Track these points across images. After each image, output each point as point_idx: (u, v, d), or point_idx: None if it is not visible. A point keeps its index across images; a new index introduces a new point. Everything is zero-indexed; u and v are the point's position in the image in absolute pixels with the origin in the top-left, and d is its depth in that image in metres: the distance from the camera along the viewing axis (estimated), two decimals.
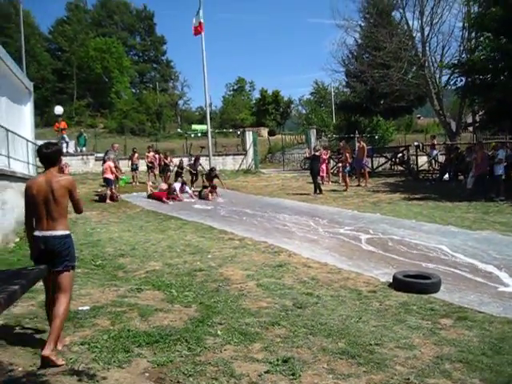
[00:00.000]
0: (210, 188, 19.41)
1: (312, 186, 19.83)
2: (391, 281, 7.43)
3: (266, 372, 4.44)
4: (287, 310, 6.15)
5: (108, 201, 17.60)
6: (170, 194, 18.68)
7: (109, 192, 17.86)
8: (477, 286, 7.53)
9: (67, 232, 4.84)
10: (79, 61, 73.58)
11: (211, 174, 20.40)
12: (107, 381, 4.22)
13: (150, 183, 21.26)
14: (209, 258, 9.19)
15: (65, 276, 4.78)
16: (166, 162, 23.11)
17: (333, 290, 7.12)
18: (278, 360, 4.67)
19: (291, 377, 4.35)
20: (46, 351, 4.41)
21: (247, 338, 5.22)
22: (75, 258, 5.00)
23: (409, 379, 4.32)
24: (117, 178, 19.08)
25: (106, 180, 18.33)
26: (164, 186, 19.53)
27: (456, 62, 23.60)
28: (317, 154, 20.01)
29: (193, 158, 23.46)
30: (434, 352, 4.94)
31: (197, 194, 19.68)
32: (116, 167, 19.26)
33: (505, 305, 6.58)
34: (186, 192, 19.60)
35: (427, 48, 29.50)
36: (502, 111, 18.82)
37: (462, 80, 23.14)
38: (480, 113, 23.03)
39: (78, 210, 5.09)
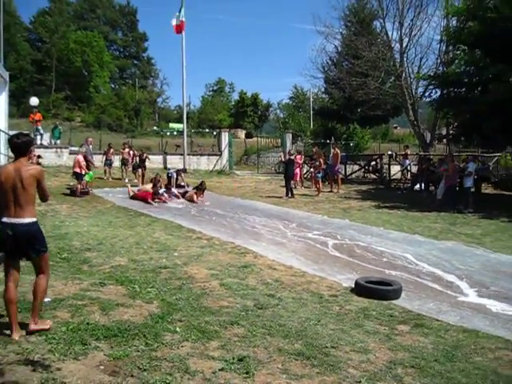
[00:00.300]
0: (195, 190, 18.51)
1: (284, 189, 19.93)
2: (353, 286, 7.51)
3: (220, 369, 4.46)
4: (248, 311, 6.18)
5: (79, 195, 17.45)
6: (156, 195, 17.79)
7: (79, 186, 17.70)
8: (437, 294, 7.64)
9: (34, 219, 5.02)
10: (59, 53, 72.47)
11: (202, 186, 18.80)
12: (61, 372, 4.21)
13: (129, 185, 19.58)
14: (175, 256, 9.18)
15: (40, 260, 5.10)
16: (142, 158, 22.98)
17: (295, 293, 7.17)
18: (233, 358, 4.70)
19: (245, 375, 4.38)
20: (31, 327, 5.00)
21: (205, 336, 5.24)
22: (45, 242, 5.21)
23: (360, 382, 4.38)
24: (82, 173, 18.54)
25: (76, 174, 18.16)
26: (148, 186, 18.64)
27: (432, 73, 23.92)
28: (292, 157, 20.18)
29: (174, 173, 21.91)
30: (388, 357, 5.02)
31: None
32: (89, 161, 19.11)
33: (462, 314, 6.70)
34: (173, 194, 18.71)
35: (405, 59, 29.98)
36: (474, 125, 19.12)
37: (436, 92, 23.49)
38: (453, 125, 23.36)
39: (44, 199, 5.29)
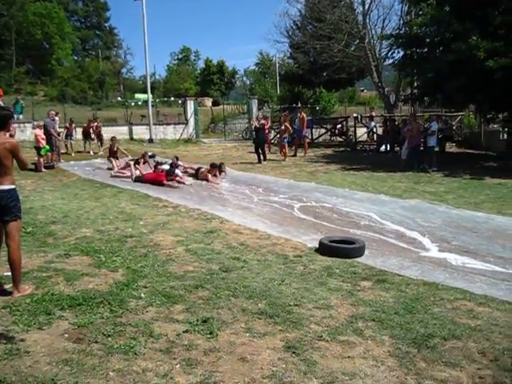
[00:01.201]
0: (209, 168, 15.78)
1: (252, 155, 20.05)
2: (318, 246, 7.62)
3: (184, 331, 4.53)
4: (212, 274, 6.24)
5: (43, 169, 17.19)
6: (170, 175, 15.21)
7: (41, 160, 17.41)
8: (400, 251, 7.81)
9: (13, 186, 5.35)
10: (18, 26, 70.09)
11: (221, 168, 16.22)
12: (25, 342, 4.22)
13: (133, 167, 16.37)
14: (141, 225, 9.15)
15: (13, 225, 5.32)
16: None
17: (260, 255, 7.25)
18: (197, 320, 4.76)
19: (208, 335, 4.46)
20: (14, 295, 5.30)
21: (170, 300, 5.29)
22: (21, 210, 5.48)
23: (321, 336, 4.49)
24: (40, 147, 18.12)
25: (37, 148, 17.83)
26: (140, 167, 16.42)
27: (395, 34, 23.94)
28: (259, 124, 20.23)
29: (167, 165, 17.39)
30: (350, 312, 5.14)
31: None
32: (51, 134, 18.80)
33: (423, 268, 6.87)
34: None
35: (368, 20, 29.87)
36: (436, 84, 19.26)
37: (399, 52, 23.59)
38: (416, 86, 23.54)
39: (22, 168, 5.62)
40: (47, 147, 18.32)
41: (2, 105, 28.55)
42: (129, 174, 16.09)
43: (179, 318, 4.86)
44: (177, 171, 15.53)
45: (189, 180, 15.53)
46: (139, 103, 39.19)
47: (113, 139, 18.87)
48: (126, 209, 10.79)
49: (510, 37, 16.14)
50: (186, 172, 16.54)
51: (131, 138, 28.61)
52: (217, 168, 15.77)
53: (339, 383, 3.74)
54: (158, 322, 4.76)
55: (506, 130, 22.90)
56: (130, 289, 5.63)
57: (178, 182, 15.04)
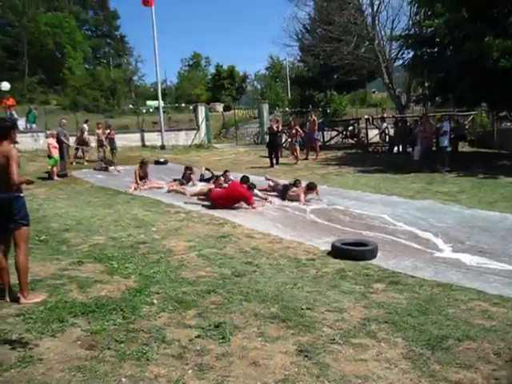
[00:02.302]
0: (305, 188, 12.56)
1: (264, 160, 20.12)
2: (330, 249, 7.60)
3: (196, 337, 4.53)
4: (225, 279, 6.24)
5: (56, 178, 17.34)
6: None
7: (54, 169, 17.57)
8: (413, 252, 7.79)
9: (16, 194, 5.36)
10: (30, 36, 70.91)
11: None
12: (39, 349, 4.24)
13: (180, 187, 14.50)
14: (153, 231, 9.18)
15: (18, 233, 5.39)
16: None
17: (272, 259, 7.25)
18: (210, 325, 4.76)
19: (221, 340, 4.46)
20: (21, 301, 5.34)
21: (182, 306, 5.29)
22: (27, 218, 5.51)
23: (334, 339, 4.48)
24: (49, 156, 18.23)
25: (50, 157, 17.97)
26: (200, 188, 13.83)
27: (404, 35, 23.82)
28: (272, 127, 20.41)
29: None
30: (363, 314, 5.12)
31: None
32: (63, 142, 18.96)
33: (437, 269, 6.84)
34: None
35: (377, 22, 29.80)
36: (447, 84, 19.16)
37: (409, 53, 23.51)
38: (427, 86, 23.43)
39: (10, 180, 5.28)
40: (55, 157, 18.49)
41: (15, 115, 29.03)
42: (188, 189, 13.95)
43: (191, 323, 4.86)
44: (255, 191, 12.59)
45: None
46: (151, 110, 39.39)
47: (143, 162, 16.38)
48: (138, 215, 10.83)
49: None
50: (271, 190, 13.60)
51: (143, 145, 28.71)
52: (315, 189, 12.50)
53: None
54: (171, 327, 4.77)
55: None
56: (142, 295, 5.64)
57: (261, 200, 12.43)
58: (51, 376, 3.81)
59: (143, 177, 15.52)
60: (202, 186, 14.12)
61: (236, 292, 5.73)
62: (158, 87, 30.87)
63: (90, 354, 4.19)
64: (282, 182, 13.99)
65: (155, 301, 5.44)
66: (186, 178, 15.36)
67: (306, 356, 4.18)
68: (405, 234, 8.84)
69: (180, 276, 6.39)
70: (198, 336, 4.54)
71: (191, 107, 36.91)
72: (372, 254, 7.30)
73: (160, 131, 29.01)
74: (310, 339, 4.49)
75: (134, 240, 8.52)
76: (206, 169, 16.70)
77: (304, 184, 12.85)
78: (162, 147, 28.23)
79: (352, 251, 7.27)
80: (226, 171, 15.10)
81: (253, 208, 11.51)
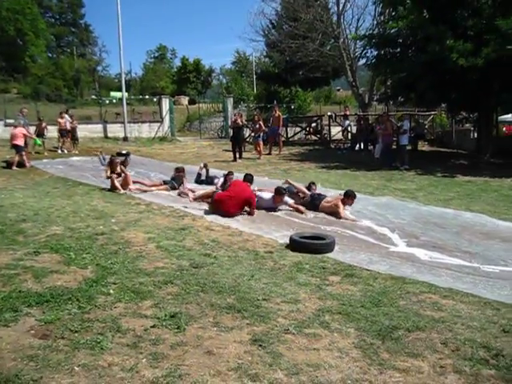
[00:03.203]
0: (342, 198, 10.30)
1: (227, 153, 20.15)
2: (288, 242, 7.68)
3: (152, 326, 4.55)
4: (183, 270, 6.25)
5: (15, 167, 17.05)
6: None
7: (17, 158, 17.26)
8: (369, 246, 7.93)
9: None
10: None
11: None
12: None
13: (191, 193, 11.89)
14: (112, 222, 9.11)
15: None
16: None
17: (231, 251, 7.29)
18: (165, 315, 4.78)
19: (176, 330, 4.49)
20: None
21: (139, 296, 5.30)
22: None
23: (288, 329, 4.55)
24: (23, 145, 17.98)
25: (16, 146, 17.66)
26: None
27: (368, 34, 24.13)
28: (236, 122, 20.46)
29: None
30: (317, 306, 5.20)
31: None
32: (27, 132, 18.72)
33: (391, 263, 6.99)
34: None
35: (342, 20, 30.07)
36: (409, 84, 19.52)
37: (372, 52, 23.81)
38: (389, 85, 23.81)
39: None
40: (37, 140, 18.34)
41: None
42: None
43: (147, 313, 4.88)
44: (259, 193, 10.71)
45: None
46: (114, 101, 38.86)
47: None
48: (98, 206, 10.73)
49: (480, 38, 16.38)
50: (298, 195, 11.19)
51: (106, 136, 28.44)
52: (353, 198, 10.42)
53: (304, 374, 3.79)
54: (126, 317, 4.77)
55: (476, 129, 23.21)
56: (99, 285, 5.62)
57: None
58: (2, 365, 3.78)
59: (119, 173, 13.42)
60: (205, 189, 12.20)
61: (193, 283, 5.76)
62: (122, 78, 30.61)
63: (44, 343, 4.17)
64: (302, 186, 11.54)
65: (112, 291, 5.43)
66: (177, 181, 13.26)
67: (260, 345, 4.24)
68: (362, 229, 8.99)
69: (137, 267, 6.38)
70: (154, 326, 4.56)
71: (155, 99, 36.64)
72: (329, 247, 7.40)
73: (123, 123, 28.76)
74: (264, 329, 4.56)
75: (92, 231, 8.45)
76: (204, 165, 14.72)
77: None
78: (125, 139, 28.01)
79: (309, 244, 7.36)
80: (229, 172, 12.64)
81: (250, 215, 9.86)
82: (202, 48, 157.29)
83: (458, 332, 4.60)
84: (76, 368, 3.78)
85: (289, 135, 28.31)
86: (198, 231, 8.50)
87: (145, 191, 12.82)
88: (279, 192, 10.35)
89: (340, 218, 9.68)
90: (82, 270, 6.26)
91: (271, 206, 10.43)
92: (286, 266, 6.61)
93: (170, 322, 4.65)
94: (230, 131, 22.27)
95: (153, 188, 13.21)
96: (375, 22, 28.32)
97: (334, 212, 9.97)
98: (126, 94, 32.64)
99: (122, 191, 12.59)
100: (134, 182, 13.42)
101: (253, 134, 22.70)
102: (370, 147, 22.21)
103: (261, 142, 21.32)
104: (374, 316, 4.93)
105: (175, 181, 13.29)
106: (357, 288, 5.81)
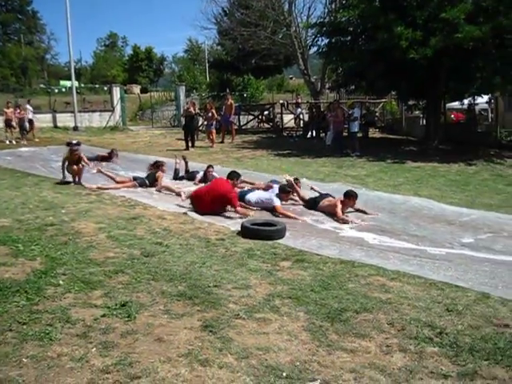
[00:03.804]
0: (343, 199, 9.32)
1: (180, 142, 20.06)
2: (240, 229, 7.73)
3: (102, 316, 4.53)
4: (134, 259, 6.23)
5: None
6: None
7: None
8: (320, 232, 8.07)
9: None
10: None
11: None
12: None
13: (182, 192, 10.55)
14: (62, 213, 8.94)
15: None
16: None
17: (183, 239, 7.28)
18: (116, 305, 4.77)
19: (126, 319, 4.48)
20: None
21: (89, 286, 5.25)
22: None
23: (238, 315, 4.61)
24: None
25: None
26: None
27: (319, 22, 24.26)
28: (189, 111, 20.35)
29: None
30: (268, 291, 5.27)
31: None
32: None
33: (341, 247, 7.14)
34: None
35: (293, 8, 30.19)
36: (359, 72, 19.77)
37: (323, 40, 23.97)
38: (340, 73, 24.00)
39: None
40: None
41: None
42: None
43: (97, 303, 4.85)
44: (249, 196, 9.89)
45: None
46: (64, 90, 37.96)
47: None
48: (47, 197, 10.51)
49: (428, 27, 16.70)
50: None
51: (55, 126, 27.86)
52: (354, 198, 9.31)
53: (253, 358, 3.85)
54: (76, 307, 4.73)
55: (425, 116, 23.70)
56: (48, 276, 5.54)
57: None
58: None
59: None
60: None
61: (144, 272, 5.75)
62: (72, 67, 29.97)
63: None
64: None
65: (61, 282, 5.37)
66: (150, 177, 11.79)
67: (211, 331, 4.28)
68: (313, 215, 9.13)
69: (88, 257, 6.31)
70: (104, 315, 4.54)
71: (106, 88, 36.07)
72: (280, 233, 7.49)
73: (73, 112, 28.19)
74: (215, 315, 4.60)
75: (41, 222, 8.28)
76: (183, 158, 13.48)
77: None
78: (75, 128, 27.50)
79: (260, 231, 7.44)
80: (209, 166, 12.30)
81: (237, 212, 9.00)
82: (154, 36, 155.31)
83: (404, 312, 4.75)
84: (24, 360, 3.74)
85: (241, 123, 28.30)
86: (149, 220, 8.45)
87: (106, 189, 11.32)
88: (285, 191, 9.78)
89: (337, 218, 8.89)
90: (31, 261, 6.15)
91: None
92: (237, 253, 6.66)
93: (121, 310, 4.64)
94: (183, 120, 22.10)
95: (118, 185, 11.60)
96: (326, 11, 28.55)
97: (332, 212, 9.15)
98: (76, 83, 32.01)
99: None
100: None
101: (205, 123, 22.58)
102: (322, 135, 22.44)
103: (213, 131, 21.27)
104: (323, 299, 5.03)
105: (148, 178, 11.69)
106: (307, 273, 5.91)
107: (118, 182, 11.88)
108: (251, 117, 29.25)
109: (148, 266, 5.99)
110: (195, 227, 8.06)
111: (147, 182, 11.53)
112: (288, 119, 28.17)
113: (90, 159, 14.22)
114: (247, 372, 3.64)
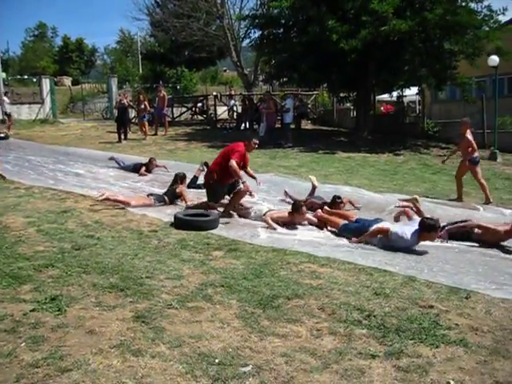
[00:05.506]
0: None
1: (112, 135, 19.75)
2: (173, 220, 7.74)
3: (31, 310, 4.44)
4: (64, 253, 6.13)
5: None
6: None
7: None
8: (253, 221, 8.17)
9: None
10: None
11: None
12: None
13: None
14: None
15: None
16: None
17: (115, 232, 7.22)
18: (46, 299, 4.68)
19: (57, 312, 4.42)
20: None
21: (17, 281, 5.13)
22: None
23: (171, 304, 4.62)
24: None
25: None
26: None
27: (252, 14, 24.35)
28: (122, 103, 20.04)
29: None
30: (200, 280, 5.32)
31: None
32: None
33: (273, 236, 7.29)
34: None
35: (226, 0, 30.13)
36: (291, 64, 20.00)
37: (255, 32, 24.11)
38: (273, 65, 24.21)
39: None
40: None
41: None
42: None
43: (26, 297, 4.76)
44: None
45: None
46: None
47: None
48: None
49: (358, 20, 17.07)
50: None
51: None
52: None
53: (186, 346, 3.88)
54: (4, 303, 4.62)
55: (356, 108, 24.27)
56: None
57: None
58: None
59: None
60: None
61: (75, 265, 5.67)
62: None
63: None
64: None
65: None
66: (171, 195, 9.62)
67: (143, 321, 4.28)
68: (241, 205, 9.10)
69: (16, 252, 6.16)
70: (33, 310, 4.46)
71: (35, 80, 34.96)
72: (213, 224, 7.54)
73: (0, 104, 27.14)
74: (147, 306, 4.60)
75: None
76: (205, 164, 11.38)
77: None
78: (3, 121, 26.49)
79: (193, 222, 7.47)
80: (150, 159, 12.28)
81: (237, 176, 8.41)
82: (85, 26, 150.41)
83: (334, 297, 4.90)
84: None
85: (175, 115, 28.09)
86: (80, 213, 8.32)
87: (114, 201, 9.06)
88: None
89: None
90: None
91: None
92: (170, 244, 6.67)
93: (51, 304, 4.57)
94: (115, 112, 21.73)
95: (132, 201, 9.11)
96: (259, 3, 28.64)
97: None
98: (3, 74, 30.84)
99: None
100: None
101: (138, 115, 22.31)
102: (255, 126, 22.57)
103: (146, 123, 21.05)
104: (255, 287, 5.12)
105: (169, 193, 9.65)
106: (240, 261, 5.99)
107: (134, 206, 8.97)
108: (184, 109, 29.09)
109: (79, 259, 5.91)
110: (127, 219, 8.00)
111: (166, 198, 9.46)
112: (221, 111, 28.18)
113: (125, 169, 12.97)
114: (180, 360, 3.67)
